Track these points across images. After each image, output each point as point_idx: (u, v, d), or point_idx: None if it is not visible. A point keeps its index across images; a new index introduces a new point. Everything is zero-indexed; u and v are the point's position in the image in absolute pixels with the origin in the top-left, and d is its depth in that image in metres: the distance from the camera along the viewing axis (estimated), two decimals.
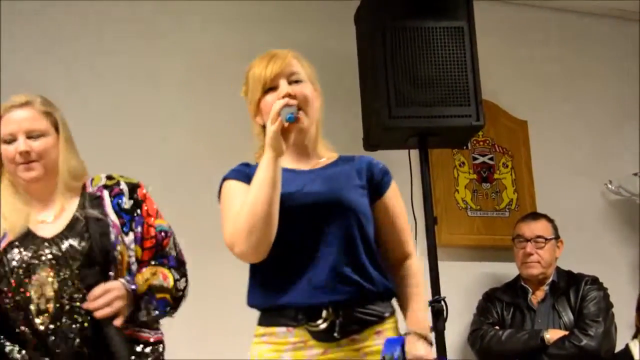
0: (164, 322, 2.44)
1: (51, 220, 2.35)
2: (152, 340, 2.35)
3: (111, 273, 2.27)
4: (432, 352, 2.11)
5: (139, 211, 2.40)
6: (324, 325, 2.06)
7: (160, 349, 2.37)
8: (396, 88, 3.45)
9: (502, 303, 3.92)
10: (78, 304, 2.23)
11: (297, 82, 2.20)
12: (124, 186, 2.42)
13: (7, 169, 2.39)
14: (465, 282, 4.14)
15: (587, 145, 4.61)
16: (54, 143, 2.39)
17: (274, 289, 2.10)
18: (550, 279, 3.91)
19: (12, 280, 2.24)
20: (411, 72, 3.48)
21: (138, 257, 2.37)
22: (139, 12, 3.93)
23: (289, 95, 2.14)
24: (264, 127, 2.21)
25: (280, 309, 2.09)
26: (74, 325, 2.22)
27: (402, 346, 2.04)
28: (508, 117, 4.47)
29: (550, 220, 4.00)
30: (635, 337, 3.88)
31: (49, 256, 2.26)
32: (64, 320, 2.22)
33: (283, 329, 2.09)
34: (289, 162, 2.20)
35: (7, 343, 2.25)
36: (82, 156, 3.47)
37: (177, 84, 3.93)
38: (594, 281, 3.88)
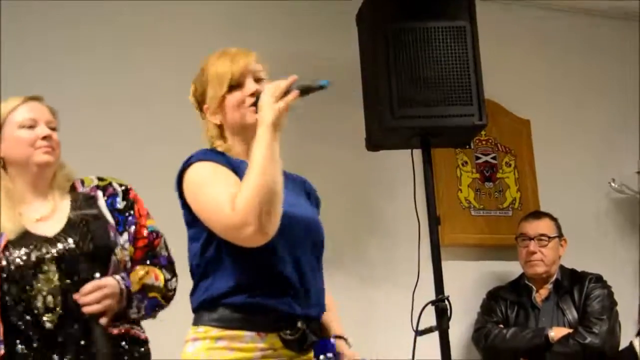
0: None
1: (46, 216, 2.37)
2: (142, 338, 2.39)
3: (111, 270, 2.31)
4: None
5: (131, 212, 2.45)
6: (297, 335, 2.03)
7: (149, 348, 2.40)
8: (398, 88, 3.46)
9: (506, 302, 3.92)
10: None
11: (261, 80, 2.19)
12: (116, 187, 2.48)
13: (16, 154, 2.40)
14: (469, 281, 4.14)
15: (590, 144, 4.61)
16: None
17: (255, 290, 2.01)
18: (554, 278, 3.91)
19: (17, 279, 2.25)
20: (413, 72, 3.48)
21: (131, 257, 2.41)
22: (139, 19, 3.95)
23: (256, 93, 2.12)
24: (220, 126, 2.19)
25: (262, 312, 2.01)
26: (78, 324, 2.24)
27: (333, 347, 2.08)
28: (511, 116, 4.47)
29: (554, 219, 4.01)
30: (639, 334, 3.88)
31: (54, 254, 2.28)
32: (71, 318, 2.24)
33: (252, 334, 2.00)
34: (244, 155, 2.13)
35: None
36: (85, 159, 3.50)
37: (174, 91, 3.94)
38: (598, 279, 3.89)
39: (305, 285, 2.06)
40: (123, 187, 2.49)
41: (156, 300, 2.40)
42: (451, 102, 3.48)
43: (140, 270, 2.39)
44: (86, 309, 2.22)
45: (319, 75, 2.11)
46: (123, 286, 2.29)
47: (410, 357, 3.29)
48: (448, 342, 3.35)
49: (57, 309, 2.24)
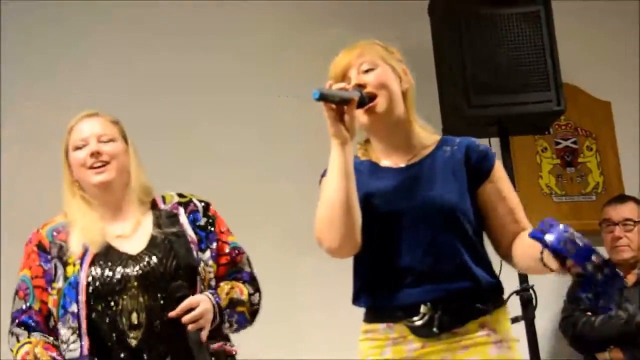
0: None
1: (129, 233, 2.38)
2: (233, 353, 2.39)
3: (198, 288, 2.32)
4: None
5: (212, 228, 2.44)
6: (420, 322, 2.07)
7: None
8: (474, 77, 3.44)
9: None
10: (165, 320, 2.26)
11: (368, 70, 2.17)
12: (197, 203, 2.47)
13: (78, 177, 2.40)
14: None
15: None
16: (124, 149, 2.42)
17: (372, 289, 2.14)
18: None
19: (103, 295, 2.27)
20: (488, 60, 3.46)
21: (215, 273, 2.41)
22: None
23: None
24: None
25: (380, 308, 2.13)
26: (165, 342, 2.26)
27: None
28: (590, 98, 4.39)
29: (639, 202, 3.92)
30: None
31: (139, 272, 2.29)
32: (155, 336, 2.26)
33: (384, 325, 2.12)
34: (384, 157, 2.21)
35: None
36: None
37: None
38: None
39: (420, 271, 2.08)
40: (203, 204, 2.48)
41: (244, 315, 2.39)
42: (528, 88, 3.45)
43: (225, 286, 2.38)
44: (191, 326, 2.24)
45: None
46: (214, 302, 2.30)
47: None
48: (534, 331, 3.32)
49: (142, 327, 2.25)
